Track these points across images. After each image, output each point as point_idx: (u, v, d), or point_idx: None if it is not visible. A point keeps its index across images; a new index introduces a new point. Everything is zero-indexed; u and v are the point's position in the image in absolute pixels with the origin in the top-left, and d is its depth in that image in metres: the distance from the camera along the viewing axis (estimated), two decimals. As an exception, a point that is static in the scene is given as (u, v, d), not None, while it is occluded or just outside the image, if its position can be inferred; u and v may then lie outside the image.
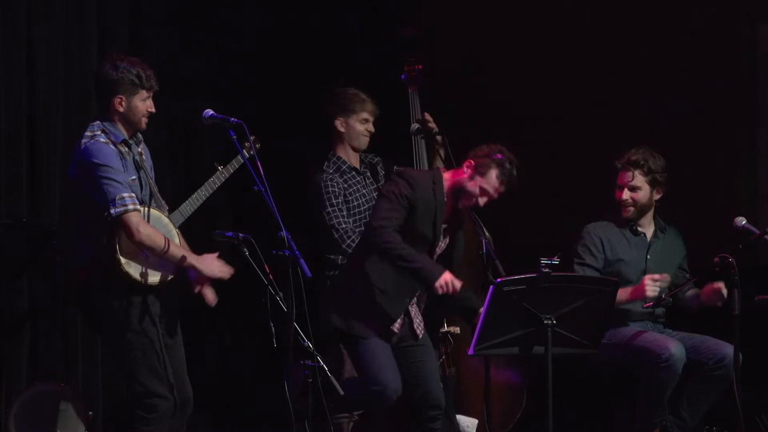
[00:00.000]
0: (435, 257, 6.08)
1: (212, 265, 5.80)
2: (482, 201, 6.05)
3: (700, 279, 6.77)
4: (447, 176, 6.10)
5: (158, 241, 5.67)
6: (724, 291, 6.55)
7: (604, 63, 7.99)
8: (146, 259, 5.70)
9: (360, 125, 6.84)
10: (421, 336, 6.16)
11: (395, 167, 6.87)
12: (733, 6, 7.93)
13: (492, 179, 6.02)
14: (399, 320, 6.09)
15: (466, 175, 6.03)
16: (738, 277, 6.26)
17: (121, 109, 5.76)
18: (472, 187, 6.02)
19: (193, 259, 5.76)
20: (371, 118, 6.84)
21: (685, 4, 7.92)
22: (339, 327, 6.07)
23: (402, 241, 5.90)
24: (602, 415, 7.04)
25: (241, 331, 7.81)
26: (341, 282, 6.22)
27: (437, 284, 5.85)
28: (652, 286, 6.58)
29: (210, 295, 5.88)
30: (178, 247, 5.77)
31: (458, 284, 5.88)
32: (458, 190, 6.04)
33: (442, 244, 6.13)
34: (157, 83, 5.82)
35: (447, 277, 5.86)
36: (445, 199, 6.04)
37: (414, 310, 6.16)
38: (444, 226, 6.09)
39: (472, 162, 6.03)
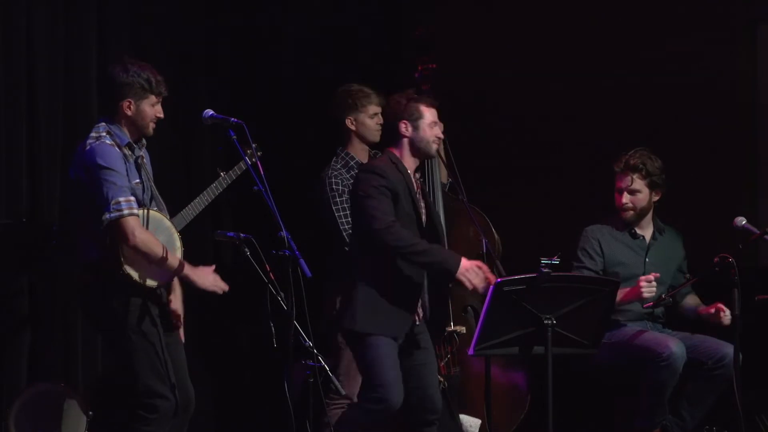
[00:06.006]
0: (425, 223, 6.07)
1: (207, 278, 5.77)
2: (440, 133, 6.11)
3: (700, 279, 6.77)
4: (396, 151, 6.10)
5: (154, 247, 5.65)
6: (725, 316, 6.55)
7: (605, 64, 8.00)
8: (148, 261, 5.70)
9: (370, 120, 6.82)
10: (419, 321, 6.11)
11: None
12: (733, 6, 7.94)
13: (427, 113, 6.07)
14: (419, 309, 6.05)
15: (410, 133, 6.07)
16: (738, 277, 6.25)
17: (130, 113, 5.76)
18: (424, 133, 6.06)
19: (189, 270, 5.74)
20: (380, 111, 6.80)
21: (686, 4, 7.92)
22: (351, 329, 5.96)
23: (410, 235, 5.90)
24: (603, 415, 7.04)
25: (241, 331, 7.81)
26: (352, 284, 6.06)
27: (458, 275, 5.84)
28: (647, 287, 6.58)
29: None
30: (174, 256, 5.73)
31: (479, 279, 5.83)
32: (416, 147, 6.07)
33: (423, 205, 6.13)
34: (167, 89, 5.82)
35: (466, 265, 5.83)
36: (408, 169, 6.07)
37: (425, 296, 6.08)
38: (418, 192, 6.11)
39: (404, 121, 6.06)
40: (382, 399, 5.84)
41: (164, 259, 5.66)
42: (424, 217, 6.07)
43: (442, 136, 6.14)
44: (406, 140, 6.07)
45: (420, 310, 6.04)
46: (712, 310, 6.66)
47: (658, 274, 6.64)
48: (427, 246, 5.90)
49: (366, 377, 5.94)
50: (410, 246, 5.84)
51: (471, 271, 5.82)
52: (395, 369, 5.88)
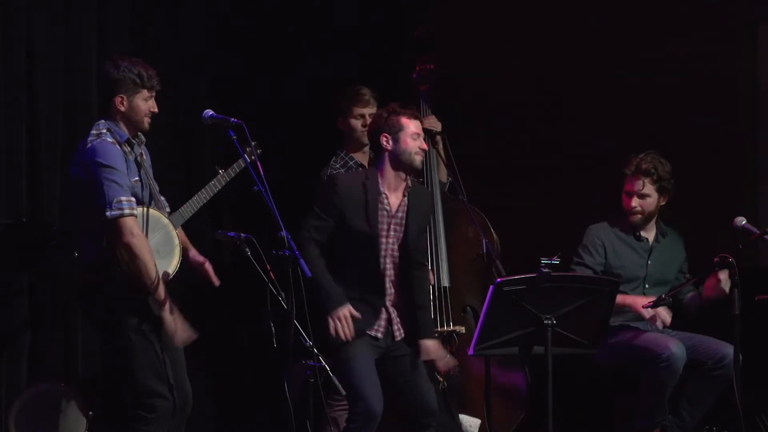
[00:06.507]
0: (385, 247, 6.06)
1: (177, 330, 5.73)
2: (423, 144, 6.10)
3: (700, 279, 6.77)
4: (378, 168, 6.10)
5: (145, 256, 5.61)
6: (725, 280, 6.50)
7: (606, 64, 8.00)
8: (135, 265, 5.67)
9: (356, 121, 6.81)
10: (399, 338, 6.11)
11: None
12: (733, 6, 7.94)
13: (408, 124, 6.07)
14: (380, 324, 6.06)
15: (391, 146, 6.07)
16: (738, 277, 6.25)
17: (123, 109, 5.77)
18: (405, 145, 6.05)
19: (166, 310, 5.68)
20: (367, 112, 6.78)
21: (686, 4, 7.92)
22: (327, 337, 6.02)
23: (318, 255, 5.94)
24: (603, 415, 7.04)
25: (241, 331, 7.81)
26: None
27: (329, 316, 5.89)
28: (649, 314, 6.59)
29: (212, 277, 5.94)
30: (162, 283, 5.67)
31: (348, 331, 5.89)
32: (399, 161, 6.07)
33: (395, 227, 6.09)
34: (159, 83, 5.83)
35: (340, 313, 5.88)
36: (384, 189, 6.05)
37: (394, 313, 6.11)
38: (399, 215, 6.08)
39: (385, 134, 6.07)
40: (363, 411, 5.90)
41: (151, 276, 5.63)
42: (386, 239, 6.06)
43: (425, 147, 6.14)
44: (387, 154, 6.07)
45: (385, 323, 6.06)
46: (713, 281, 6.62)
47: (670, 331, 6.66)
48: (325, 277, 5.92)
49: (346, 389, 5.97)
50: (309, 262, 5.78)
51: (342, 320, 5.87)
52: (371, 376, 5.93)
